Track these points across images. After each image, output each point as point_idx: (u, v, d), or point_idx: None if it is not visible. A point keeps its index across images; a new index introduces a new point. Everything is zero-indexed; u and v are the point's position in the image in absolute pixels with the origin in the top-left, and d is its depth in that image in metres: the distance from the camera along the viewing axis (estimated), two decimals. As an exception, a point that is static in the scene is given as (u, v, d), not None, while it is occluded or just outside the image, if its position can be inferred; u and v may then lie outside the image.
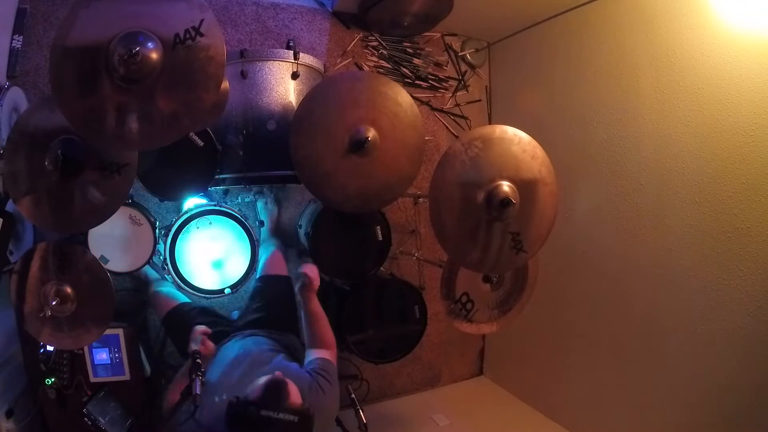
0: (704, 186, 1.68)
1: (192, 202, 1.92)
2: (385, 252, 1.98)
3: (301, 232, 2.02)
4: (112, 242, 1.67)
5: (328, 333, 1.55)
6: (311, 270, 1.60)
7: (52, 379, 1.65)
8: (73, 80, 1.06)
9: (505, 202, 1.35)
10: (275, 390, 1.13)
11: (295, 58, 1.79)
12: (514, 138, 1.42)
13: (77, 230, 1.57)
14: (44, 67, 1.87)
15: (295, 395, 1.16)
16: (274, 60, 1.78)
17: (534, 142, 1.43)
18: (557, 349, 2.38)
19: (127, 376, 1.74)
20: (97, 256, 1.44)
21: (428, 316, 2.06)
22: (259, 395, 1.12)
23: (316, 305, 1.57)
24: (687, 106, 1.72)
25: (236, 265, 1.90)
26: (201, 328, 1.45)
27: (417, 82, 2.61)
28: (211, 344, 1.41)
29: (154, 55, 1.05)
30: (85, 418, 1.67)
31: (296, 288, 1.62)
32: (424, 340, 2.10)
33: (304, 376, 1.37)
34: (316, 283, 1.59)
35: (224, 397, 1.28)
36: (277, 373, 1.22)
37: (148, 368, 1.87)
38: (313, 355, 1.48)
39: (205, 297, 1.86)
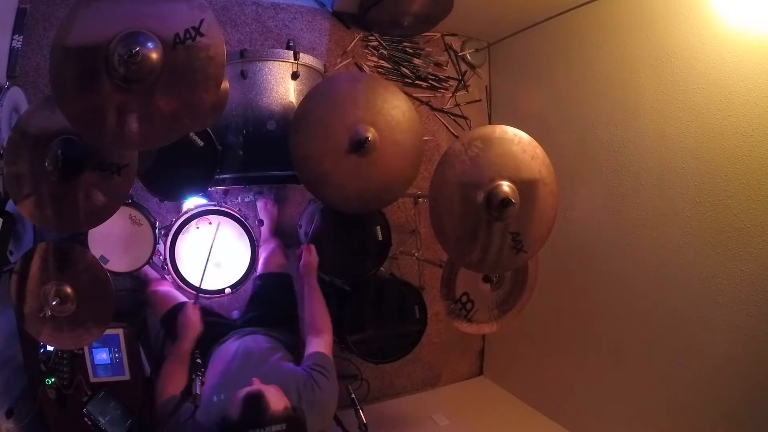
0: (704, 186, 1.68)
1: (192, 202, 1.92)
2: (385, 252, 1.98)
3: (301, 232, 2.02)
4: (112, 242, 1.66)
5: (323, 315, 1.58)
6: (307, 253, 1.67)
7: (52, 379, 1.65)
8: (73, 80, 1.06)
9: (505, 202, 1.35)
10: (253, 405, 1.12)
11: (295, 58, 1.79)
12: (514, 138, 1.42)
13: (78, 230, 1.57)
14: (44, 67, 1.87)
15: (275, 402, 1.15)
16: (274, 60, 1.78)
17: (534, 142, 1.43)
18: (557, 349, 2.37)
19: (127, 376, 1.75)
20: (97, 256, 1.43)
21: (428, 316, 2.06)
22: (239, 415, 1.11)
23: (314, 282, 1.64)
24: (687, 106, 1.72)
25: (236, 265, 1.90)
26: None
27: (417, 82, 2.61)
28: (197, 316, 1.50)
29: (154, 55, 1.05)
30: (85, 418, 1.67)
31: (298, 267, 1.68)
32: (424, 340, 2.10)
33: (299, 373, 1.38)
34: (314, 262, 1.66)
35: (222, 397, 1.28)
36: (252, 386, 1.19)
37: (148, 368, 1.87)
38: (309, 349, 1.49)
39: (205, 297, 1.86)
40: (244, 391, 1.16)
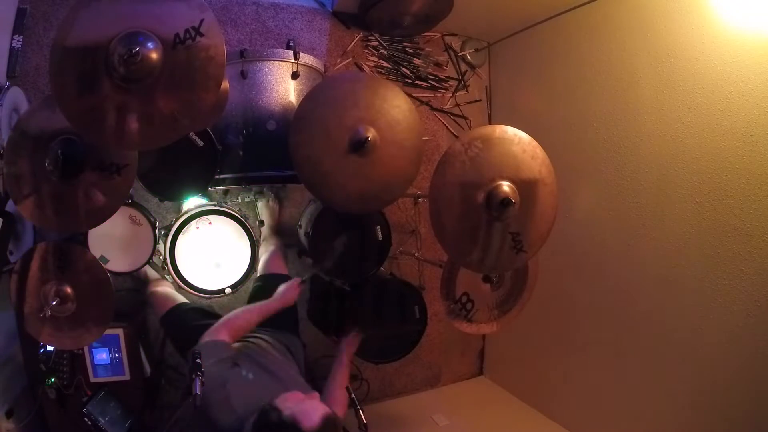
0: (704, 186, 1.68)
1: (192, 202, 1.92)
2: (385, 252, 1.97)
3: (301, 232, 2.02)
4: (112, 242, 1.67)
5: (343, 394, 1.57)
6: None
7: (52, 379, 1.65)
8: (73, 80, 1.06)
9: (505, 202, 1.35)
10: (331, 428, 1.09)
11: (295, 58, 1.79)
12: (514, 138, 1.42)
13: (78, 230, 1.57)
14: (44, 67, 1.87)
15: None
16: (274, 60, 1.78)
17: (534, 142, 1.43)
18: (557, 349, 2.37)
19: (127, 376, 1.74)
20: (97, 256, 1.44)
21: (428, 316, 2.06)
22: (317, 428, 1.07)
23: (350, 360, 1.72)
24: (687, 106, 1.72)
25: (236, 265, 1.90)
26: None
27: (417, 82, 2.61)
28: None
29: (154, 55, 1.05)
30: (85, 418, 1.67)
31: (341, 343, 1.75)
32: (424, 340, 2.09)
33: None
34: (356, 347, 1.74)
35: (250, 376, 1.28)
36: (326, 407, 1.16)
37: (148, 368, 1.87)
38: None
39: (205, 297, 1.86)
40: (323, 410, 1.11)
